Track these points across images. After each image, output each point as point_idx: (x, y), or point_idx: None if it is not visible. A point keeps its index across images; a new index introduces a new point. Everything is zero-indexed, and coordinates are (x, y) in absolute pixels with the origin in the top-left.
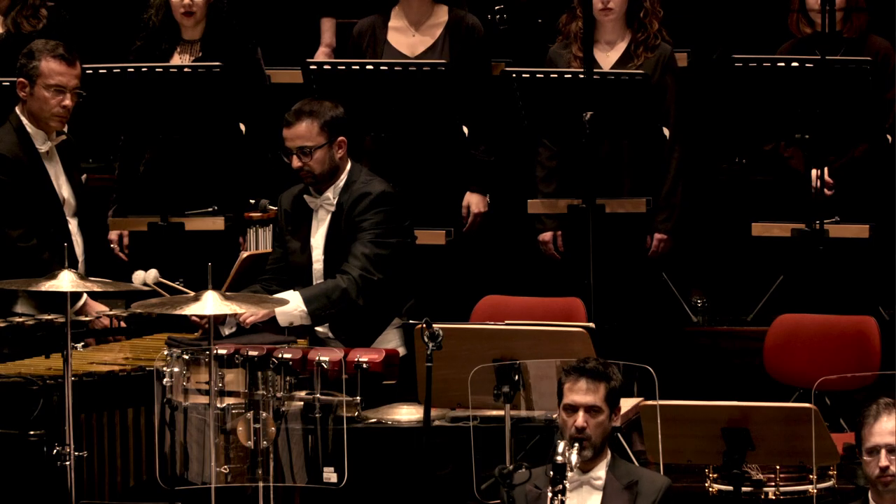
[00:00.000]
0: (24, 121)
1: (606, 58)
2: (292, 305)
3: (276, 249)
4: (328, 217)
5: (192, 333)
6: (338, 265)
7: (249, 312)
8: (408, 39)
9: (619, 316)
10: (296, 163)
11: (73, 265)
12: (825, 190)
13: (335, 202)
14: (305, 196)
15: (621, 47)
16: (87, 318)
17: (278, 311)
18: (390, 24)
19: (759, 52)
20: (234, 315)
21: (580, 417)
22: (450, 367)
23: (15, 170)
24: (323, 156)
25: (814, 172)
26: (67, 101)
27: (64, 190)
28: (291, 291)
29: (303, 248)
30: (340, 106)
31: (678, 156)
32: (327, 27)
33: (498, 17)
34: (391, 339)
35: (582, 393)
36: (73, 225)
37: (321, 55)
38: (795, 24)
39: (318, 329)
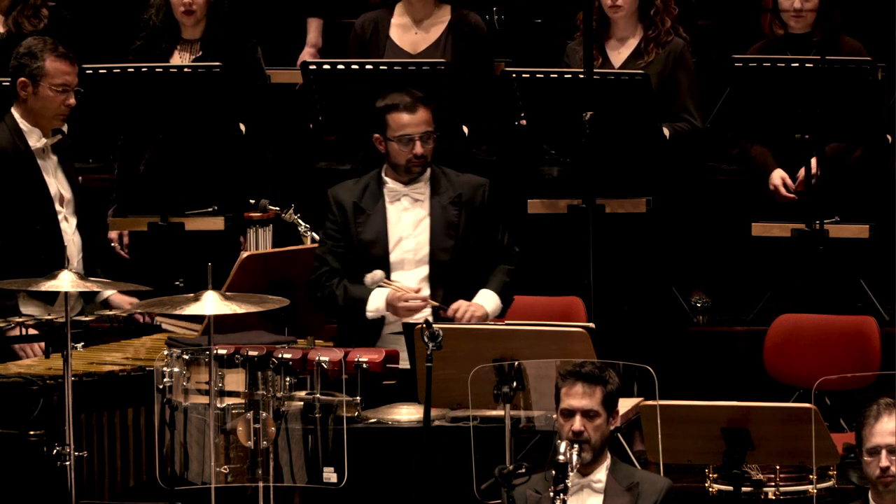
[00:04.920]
0: (19, 119)
1: (618, 55)
2: (492, 306)
3: (330, 247)
4: (418, 205)
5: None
6: (451, 254)
7: (469, 314)
8: (410, 37)
9: (619, 316)
10: (419, 149)
11: (61, 264)
12: (811, 180)
13: (428, 189)
14: (389, 184)
15: (632, 44)
16: (119, 313)
17: (490, 311)
18: (393, 20)
19: (731, 52)
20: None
21: (577, 422)
22: (450, 367)
23: None
24: (434, 142)
25: (801, 172)
26: (72, 100)
27: (63, 189)
28: (485, 291)
29: (380, 238)
30: None
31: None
32: (313, 27)
33: (496, 17)
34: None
35: (578, 397)
36: (71, 224)
37: (307, 55)
38: (769, 25)
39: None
